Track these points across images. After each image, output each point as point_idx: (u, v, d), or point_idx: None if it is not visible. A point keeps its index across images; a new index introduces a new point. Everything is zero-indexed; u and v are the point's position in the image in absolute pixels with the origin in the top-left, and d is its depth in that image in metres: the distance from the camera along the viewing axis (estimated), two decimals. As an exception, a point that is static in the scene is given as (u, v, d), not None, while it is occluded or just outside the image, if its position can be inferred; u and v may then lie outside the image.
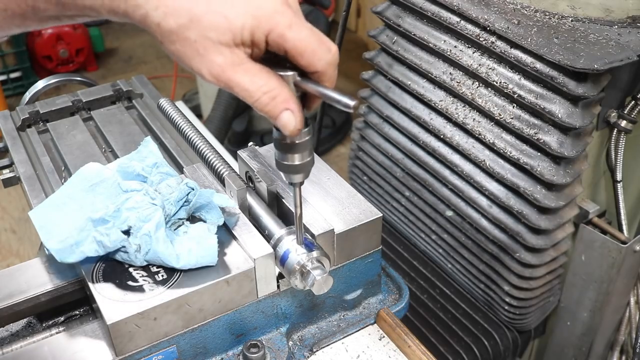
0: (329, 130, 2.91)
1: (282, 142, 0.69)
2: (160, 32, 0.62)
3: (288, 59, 0.65)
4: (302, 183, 0.73)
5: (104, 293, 0.75)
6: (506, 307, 1.28)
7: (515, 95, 1.07)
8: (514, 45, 1.06)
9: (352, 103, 0.63)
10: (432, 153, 1.27)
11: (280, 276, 0.83)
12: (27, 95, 1.35)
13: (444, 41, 1.19)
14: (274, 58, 0.66)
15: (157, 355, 0.78)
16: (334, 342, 0.90)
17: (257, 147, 0.98)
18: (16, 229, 2.66)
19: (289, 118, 0.65)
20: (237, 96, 0.65)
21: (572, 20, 1.07)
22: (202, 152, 0.96)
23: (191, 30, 0.61)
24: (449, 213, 1.29)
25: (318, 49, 0.65)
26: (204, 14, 0.61)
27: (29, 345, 0.78)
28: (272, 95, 0.64)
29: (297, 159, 0.70)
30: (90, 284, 0.77)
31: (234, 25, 0.61)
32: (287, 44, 0.64)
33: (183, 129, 1.02)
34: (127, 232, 0.78)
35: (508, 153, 1.11)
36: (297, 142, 0.68)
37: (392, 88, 1.33)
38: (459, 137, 1.21)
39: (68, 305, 0.84)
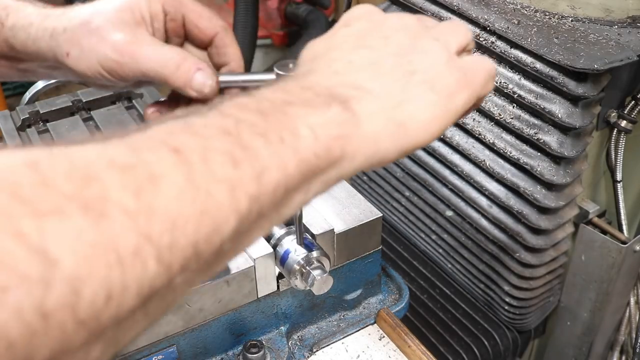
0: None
1: None
2: (63, 39, 0.63)
3: (185, 29, 0.66)
4: None
5: (104, 293, 0.75)
6: (506, 307, 1.28)
7: (515, 95, 1.07)
8: (514, 45, 1.06)
9: (273, 75, 0.63)
10: (432, 153, 1.27)
11: (280, 276, 0.83)
12: (27, 95, 1.35)
13: (444, 41, 1.19)
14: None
15: (157, 355, 0.78)
16: (334, 342, 0.90)
17: None
18: (16, 229, 2.65)
19: (203, 76, 0.63)
20: (145, 76, 0.63)
21: (572, 20, 1.07)
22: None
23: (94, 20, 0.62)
24: (449, 213, 1.29)
25: (212, 13, 0.67)
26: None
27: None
28: (179, 60, 0.63)
29: None
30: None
31: (132, 2, 0.62)
32: (185, 8, 0.65)
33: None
34: None
35: (508, 153, 1.11)
36: None
37: (392, 88, 1.33)
38: (459, 137, 1.21)
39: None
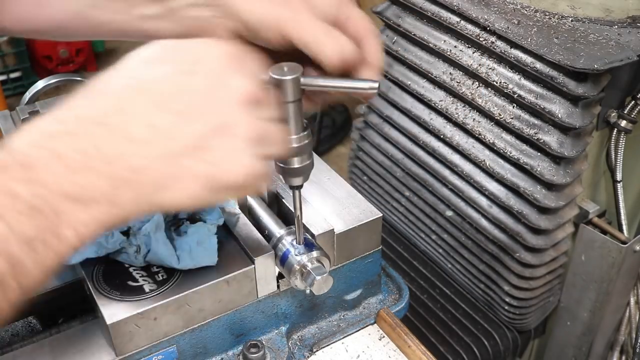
0: (329, 130, 2.91)
1: None
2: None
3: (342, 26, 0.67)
4: (301, 186, 0.73)
5: (104, 293, 0.75)
6: (506, 307, 1.28)
7: (515, 95, 1.07)
8: (514, 45, 1.06)
9: (375, 84, 0.64)
10: (432, 153, 1.27)
11: (280, 276, 0.83)
12: (27, 95, 1.35)
13: (444, 41, 1.19)
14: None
15: (157, 355, 0.77)
16: (334, 342, 0.90)
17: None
18: (16, 229, 2.65)
19: (349, 48, 0.65)
20: (297, 40, 0.65)
21: (572, 20, 1.07)
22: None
23: None
24: (449, 213, 1.29)
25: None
26: None
27: (29, 345, 0.78)
28: (335, 34, 0.65)
29: (296, 162, 0.69)
30: (90, 284, 0.77)
31: None
32: (347, 7, 0.70)
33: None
34: (126, 233, 0.78)
35: (508, 153, 1.11)
36: (296, 145, 0.68)
37: (392, 88, 1.33)
38: (459, 137, 1.21)
39: (68, 305, 0.84)
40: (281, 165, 0.70)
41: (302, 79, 0.65)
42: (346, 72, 0.67)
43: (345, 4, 0.70)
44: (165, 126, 0.52)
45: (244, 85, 0.56)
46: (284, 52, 0.68)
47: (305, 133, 0.68)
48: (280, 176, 0.73)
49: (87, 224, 0.50)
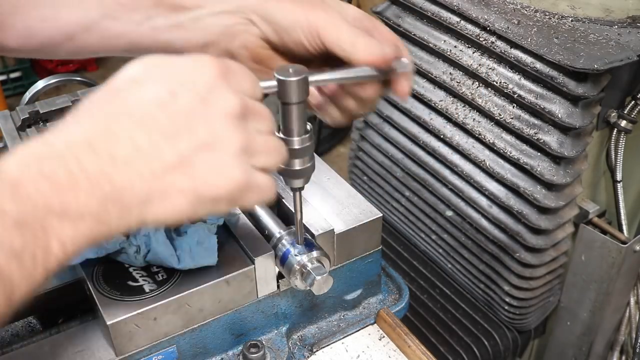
0: (329, 130, 2.91)
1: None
2: None
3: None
4: (302, 188, 0.73)
5: (104, 293, 0.75)
6: (506, 307, 1.28)
7: (515, 95, 1.07)
8: (514, 45, 1.06)
9: (406, 61, 0.68)
10: (432, 153, 1.27)
11: (280, 276, 0.83)
12: (27, 95, 1.35)
13: (444, 41, 1.19)
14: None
15: (157, 355, 0.77)
16: (334, 342, 0.90)
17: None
18: (16, 229, 2.65)
19: (388, 49, 0.68)
20: (330, 42, 0.68)
21: (572, 20, 1.07)
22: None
23: None
24: (449, 213, 1.29)
25: None
26: None
27: (29, 345, 0.78)
28: (367, 38, 0.68)
29: (297, 164, 0.69)
30: (90, 284, 0.77)
31: None
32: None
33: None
34: (126, 233, 0.78)
35: (508, 153, 1.11)
36: (298, 147, 0.68)
37: (392, 88, 1.33)
38: (459, 137, 1.21)
39: (68, 305, 0.84)
40: (282, 167, 0.70)
41: (310, 77, 0.65)
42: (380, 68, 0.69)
43: (370, 18, 0.72)
44: (149, 146, 0.53)
45: (229, 102, 0.56)
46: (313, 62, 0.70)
47: (307, 135, 0.68)
48: (281, 177, 0.73)
49: (74, 239, 0.51)
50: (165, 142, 0.53)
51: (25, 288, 0.49)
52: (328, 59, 0.70)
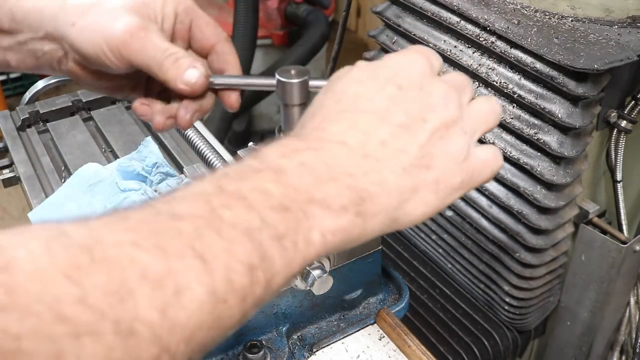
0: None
1: None
2: (73, 9, 0.66)
3: (190, 33, 0.69)
4: None
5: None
6: (506, 307, 1.28)
7: (515, 95, 1.07)
8: (514, 45, 1.06)
9: (271, 81, 0.66)
10: (432, 153, 1.27)
11: (280, 276, 0.83)
12: (27, 95, 1.35)
13: (444, 41, 1.19)
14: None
15: (157, 355, 0.77)
16: (334, 342, 0.90)
17: (257, 147, 0.98)
18: (16, 229, 2.65)
19: (195, 73, 0.66)
20: (142, 64, 0.66)
21: (572, 20, 1.07)
22: (202, 152, 0.96)
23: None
24: (449, 213, 1.29)
25: (217, 24, 0.71)
26: None
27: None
28: (176, 57, 0.66)
29: None
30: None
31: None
32: (195, 13, 0.68)
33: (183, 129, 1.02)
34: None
35: (508, 153, 1.11)
36: None
37: (392, 88, 1.33)
38: (459, 137, 1.20)
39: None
40: None
41: (311, 82, 0.65)
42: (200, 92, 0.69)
43: (191, 11, 0.70)
44: (394, 141, 0.53)
45: (441, 86, 0.57)
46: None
47: None
48: None
49: (334, 231, 0.49)
50: (406, 136, 0.54)
51: (284, 276, 0.47)
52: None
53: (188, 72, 0.66)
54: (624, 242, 1.16)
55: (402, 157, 0.53)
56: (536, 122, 1.07)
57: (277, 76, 0.64)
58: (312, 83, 0.65)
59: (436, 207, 0.56)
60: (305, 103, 0.66)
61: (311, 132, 0.54)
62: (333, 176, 0.50)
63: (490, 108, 0.61)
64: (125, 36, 0.64)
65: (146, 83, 0.76)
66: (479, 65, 1.13)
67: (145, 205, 0.45)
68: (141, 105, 0.73)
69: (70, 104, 1.27)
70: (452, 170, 0.56)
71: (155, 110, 0.72)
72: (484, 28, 1.10)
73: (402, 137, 0.54)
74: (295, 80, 0.64)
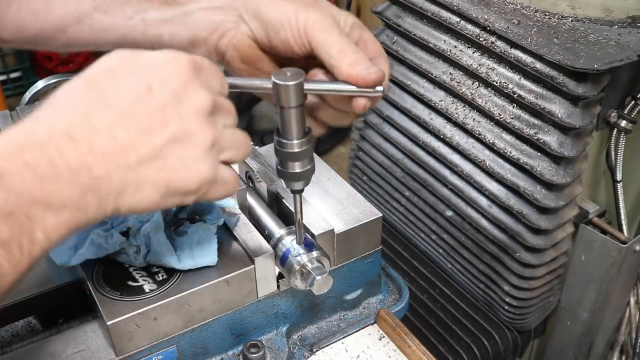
0: (329, 130, 2.91)
1: (283, 150, 0.69)
2: None
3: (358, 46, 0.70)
4: (302, 190, 0.73)
5: (104, 293, 0.75)
6: (506, 307, 1.28)
7: (515, 95, 1.07)
8: (514, 45, 1.06)
9: (380, 87, 0.65)
10: (432, 153, 1.27)
11: (280, 276, 0.83)
12: (27, 95, 1.35)
13: (444, 41, 1.19)
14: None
15: (157, 355, 0.77)
16: (334, 342, 0.90)
17: (257, 147, 0.98)
18: (16, 229, 2.65)
19: (372, 67, 0.66)
20: (316, 45, 0.67)
21: (572, 20, 1.07)
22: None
23: None
24: (449, 213, 1.29)
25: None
26: None
27: (29, 345, 0.78)
28: (356, 49, 0.67)
29: (297, 167, 0.69)
30: (90, 284, 0.77)
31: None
32: (364, 29, 0.73)
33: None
34: (126, 234, 0.78)
35: (508, 153, 1.11)
36: (297, 150, 0.68)
37: (392, 88, 1.33)
38: (459, 137, 1.21)
39: (68, 305, 0.84)
40: (282, 169, 0.70)
41: (305, 84, 0.65)
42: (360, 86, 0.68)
43: (361, 26, 0.72)
44: (126, 138, 0.55)
45: (201, 99, 0.58)
46: (286, 60, 0.70)
47: (306, 138, 0.68)
48: (281, 180, 0.73)
49: (57, 228, 0.53)
50: (141, 136, 0.55)
51: (13, 277, 0.51)
52: (310, 64, 0.70)
53: (368, 65, 0.66)
54: (624, 242, 1.16)
55: (130, 155, 0.55)
56: (536, 122, 1.07)
57: (272, 78, 0.64)
58: (307, 86, 0.65)
59: (159, 204, 0.58)
60: (301, 105, 0.65)
61: (44, 121, 0.55)
62: (56, 174, 0.52)
63: (242, 139, 0.63)
64: (316, 16, 0.67)
65: None
66: (479, 65, 1.13)
67: None
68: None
69: (70, 104, 1.27)
70: (186, 176, 0.58)
71: None
72: (484, 28, 1.10)
73: (136, 136, 0.55)
74: (290, 83, 0.63)
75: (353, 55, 0.66)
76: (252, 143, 0.98)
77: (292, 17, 0.67)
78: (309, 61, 0.70)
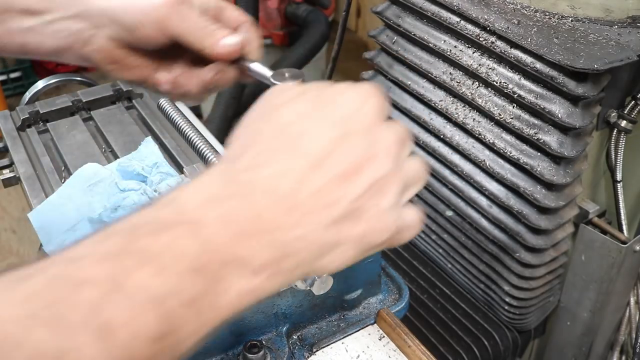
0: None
1: None
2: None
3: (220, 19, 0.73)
4: None
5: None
6: (506, 307, 1.28)
7: (515, 95, 1.07)
8: (514, 45, 1.06)
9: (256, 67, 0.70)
10: (432, 153, 1.27)
11: (280, 276, 0.83)
12: (27, 95, 1.35)
13: (444, 41, 1.19)
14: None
15: (157, 355, 0.77)
16: (334, 342, 0.89)
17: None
18: (16, 229, 2.65)
19: (231, 38, 0.70)
20: (180, 36, 0.69)
21: (572, 20, 1.07)
22: (202, 152, 0.96)
23: None
24: (449, 213, 1.29)
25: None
26: None
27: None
28: (213, 28, 0.70)
29: None
30: (90, 284, 0.77)
31: None
32: (224, 3, 0.74)
33: (183, 129, 1.02)
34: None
35: (508, 153, 1.11)
36: None
37: (392, 88, 1.33)
38: (459, 137, 1.21)
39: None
40: None
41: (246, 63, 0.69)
42: (233, 59, 0.71)
43: (221, 1, 0.74)
44: (327, 191, 0.49)
45: (390, 138, 0.53)
46: (164, 51, 0.72)
47: None
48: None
49: (251, 290, 0.47)
50: (340, 187, 0.50)
51: (194, 339, 0.46)
52: (183, 52, 0.72)
53: (226, 38, 0.69)
54: (624, 242, 1.16)
55: (332, 210, 0.49)
56: (536, 122, 1.07)
57: (271, 79, 0.64)
58: None
59: (354, 260, 0.53)
60: None
61: (240, 174, 0.50)
62: (256, 231, 0.47)
63: (422, 168, 0.57)
64: (167, 8, 0.68)
65: (169, 65, 0.76)
66: (479, 65, 1.13)
67: (45, 263, 0.42)
68: (178, 77, 0.74)
69: (70, 104, 1.27)
70: (381, 228, 0.52)
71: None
72: (484, 28, 1.10)
73: (336, 188, 0.50)
74: (290, 83, 0.63)
75: (213, 35, 0.69)
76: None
77: (148, 14, 0.69)
78: (180, 51, 0.72)
